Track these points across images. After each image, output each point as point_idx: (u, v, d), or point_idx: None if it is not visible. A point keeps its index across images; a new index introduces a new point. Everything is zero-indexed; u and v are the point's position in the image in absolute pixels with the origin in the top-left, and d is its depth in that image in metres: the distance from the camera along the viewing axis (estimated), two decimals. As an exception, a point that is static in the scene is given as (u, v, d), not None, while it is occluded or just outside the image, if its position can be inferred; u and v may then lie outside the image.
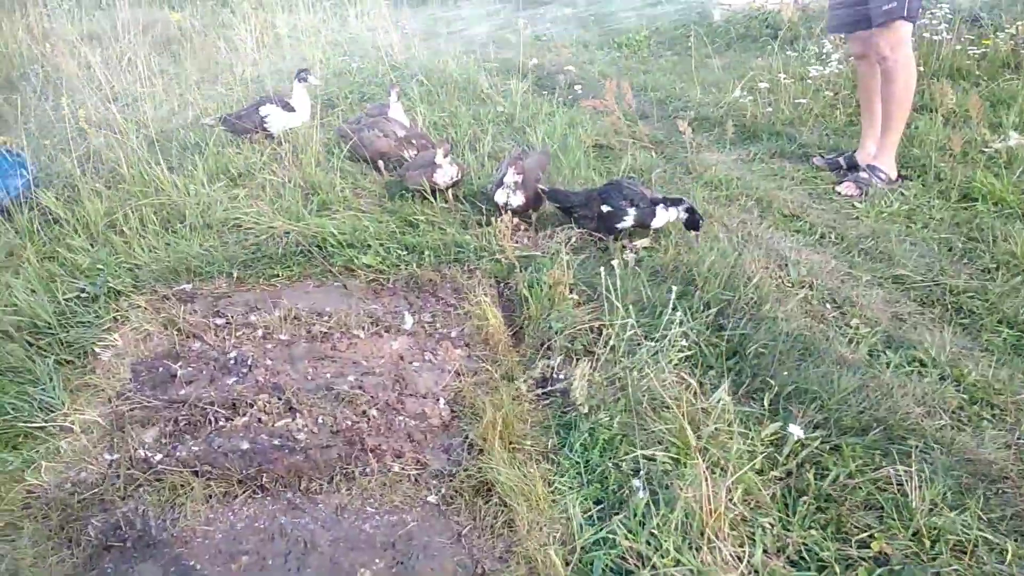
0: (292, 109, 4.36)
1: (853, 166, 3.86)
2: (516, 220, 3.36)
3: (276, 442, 2.20)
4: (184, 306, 2.87)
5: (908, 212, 3.44)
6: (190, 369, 2.57)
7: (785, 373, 2.42)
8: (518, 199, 3.29)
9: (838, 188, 3.69)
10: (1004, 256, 3.00)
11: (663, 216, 3.15)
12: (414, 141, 3.96)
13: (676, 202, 3.14)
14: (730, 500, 1.91)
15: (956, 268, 2.99)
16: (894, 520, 1.89)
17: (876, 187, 3.62)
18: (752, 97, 4.73)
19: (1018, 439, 2.16)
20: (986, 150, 3.90)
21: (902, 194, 3.58)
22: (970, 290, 2.82)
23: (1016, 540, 1.85)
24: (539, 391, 2.41)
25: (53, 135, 4.51)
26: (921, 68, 5.08)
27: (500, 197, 3.29)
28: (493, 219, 3.31)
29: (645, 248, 3.23)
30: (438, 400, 2.37)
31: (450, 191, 3.53)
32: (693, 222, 3.15)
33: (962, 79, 5.02)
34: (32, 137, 4.52)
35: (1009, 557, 1.77)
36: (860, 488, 1.99)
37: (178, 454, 2.21)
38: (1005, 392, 2.33)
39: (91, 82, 5.19)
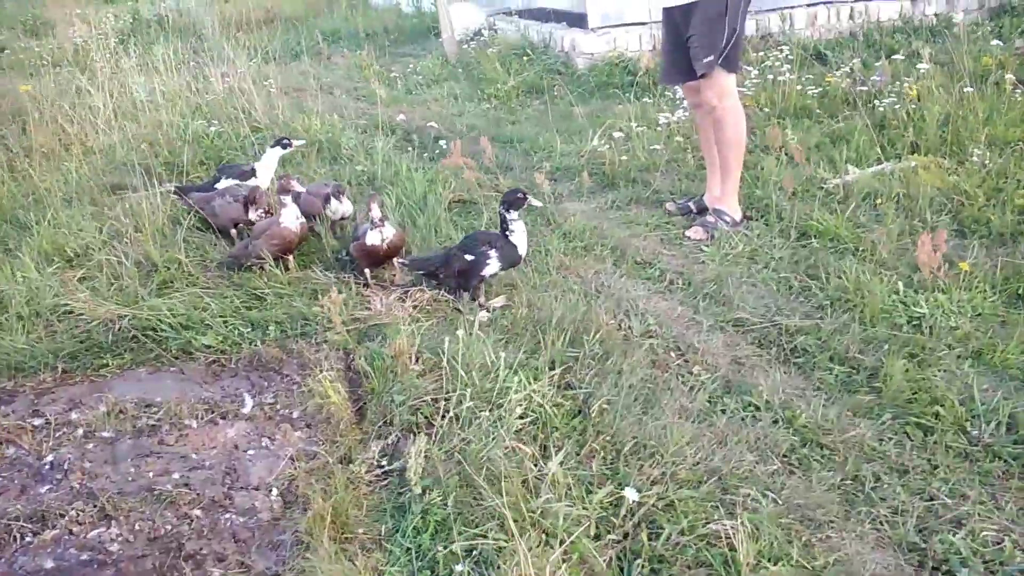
0: (252, 173, 4.12)
1: (703, 210, 3.99)
2: (368, 289, 3.30)
3: (85, 556, 2.03)
4: (0, 407, 2.66)
5: (751, 253, 3.57)
6: (0, 480, 2.36)
7: (626, 429, 2.43)
8: (390, 232, 3.26)
9: (687, 233, 3.80)
10: (836, 292, 3.13)
11: (520, 233, 3.15)
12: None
13: (510, 204, 3.12)
14: (559, 573, 1.86)
15: (792, 307, 3.10)
16: (722, 577, 1.90)
17: (721, 230, 3.74)
18: (609, 145, 4.85)
19: (843, 481, 2.22)
20: (824, 187, 4.10)
21: (746, 235, 3.72)
22: (804, 329, 2.92)
23: (837, 587, 1.88)
24: (378, 471, 2.33)
25: None
26: (767, 109, 5.37)
27: (373, 238, 3.23)
28: (337, 289, 3.23)
29: (501, 307, 3.22)
30: (270, 491, 2.25)
31: (292, 257, 3.44)
32: (518, 202, 3.13)
33: (806, 117, 5.30)
34: None
35: (827, 606, 1.80)
36: (690, 546, 1.99)
37: (-24, 580, 2.02)
38: (834, 431, 2.41)
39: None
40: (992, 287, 3.07)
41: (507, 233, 3.14)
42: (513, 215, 3.12)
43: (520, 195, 3.12)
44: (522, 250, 3.19)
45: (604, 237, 3.86)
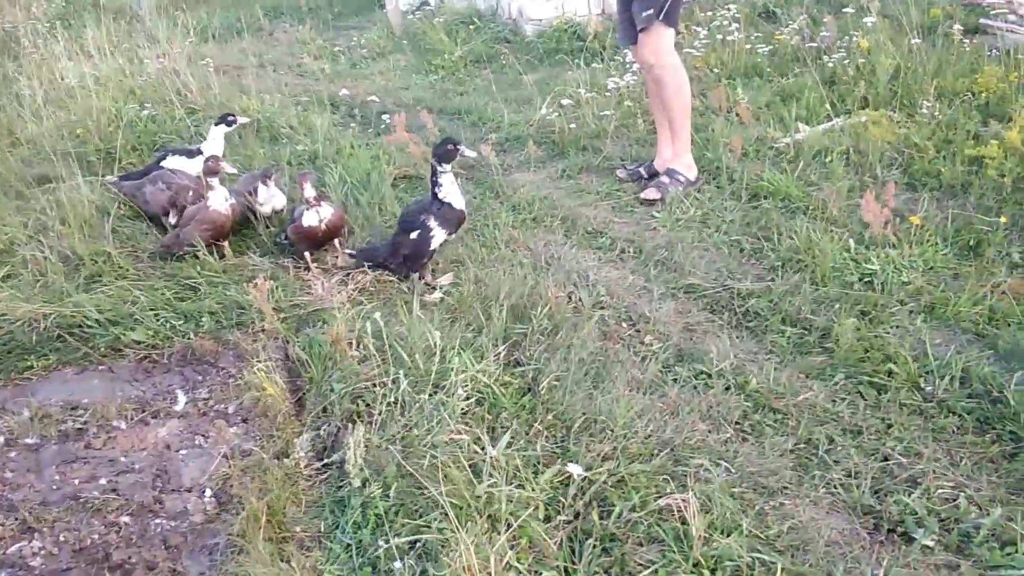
0: (199, 152, 3.89)
1: (653, 175, 3.91)
2: (309, 273, 3.17)
3: (4, 573, 1.91)
4: (-85, 419, 2.50)
5: (703, 216, 3.50)
6: (-85, 496, 2.22)
7: (576, 404, 2.34)
8: (327, 211, 3.12)
9: (641, 195, 3.71)
10: (787, 253, 3.07)
11: (450, 186, 3.00)
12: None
13: (440, 156, 2.97)
14: (505, 560, 1.79)
15: (743, 270, 3.04)
16: (674, 552, 1.84)
17: (676, 190, 3.66)
18: (559, 113, 4.73)
19: (796, 445, 2.17)
20: (775, 146, 4.04)
21: (697, 198, 3.64)
22: (755, 292, 2.86)
23: (792, 555, 1.83)
24: (317, 464, 2.23)
25: None
26: (717, 70, 5.28)
27: (310, 219, 3.10)
28: (267, 276, 3.09)
29: (449, 284, 3.11)
30: (204, 492, 2.14)
31: (227, 243, 3.30)
32: (449, 154, 2.99)
33: (757, 76, 5.23)
34: None
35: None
36: (642, 522, 1.92)
37: None
38: (786, 395, 2.35)
39: None
40: (943, 239, 3.04)
41: (436, 191, 3.00)
42: (445, 167, 2.98)
43: (451, 146, 2.97)
44: (459, 204, 3.05)
45: (554, 207, 3.76)
